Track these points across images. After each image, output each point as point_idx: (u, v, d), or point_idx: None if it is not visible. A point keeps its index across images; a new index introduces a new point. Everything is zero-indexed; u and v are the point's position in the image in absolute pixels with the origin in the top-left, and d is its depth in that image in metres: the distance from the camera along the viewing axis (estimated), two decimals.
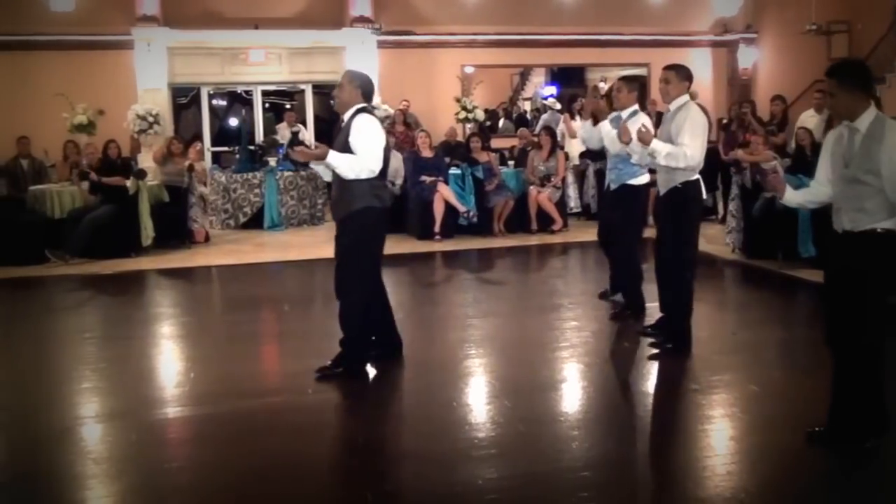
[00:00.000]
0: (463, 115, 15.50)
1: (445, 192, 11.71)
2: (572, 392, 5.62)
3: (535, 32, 16.96)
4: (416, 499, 4.08)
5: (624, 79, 7.38)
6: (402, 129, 14.50)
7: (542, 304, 7.63)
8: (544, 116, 15.81)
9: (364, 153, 5.44)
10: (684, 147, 5.76)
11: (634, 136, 6.01)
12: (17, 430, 5.09)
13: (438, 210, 11.66)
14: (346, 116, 5.64)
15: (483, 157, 12.28)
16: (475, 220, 11.84)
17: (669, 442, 4.73)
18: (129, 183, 10.76)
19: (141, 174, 11.07)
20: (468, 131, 14.99)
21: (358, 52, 15.88)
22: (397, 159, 12.65)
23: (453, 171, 12.18)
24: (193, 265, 10.55)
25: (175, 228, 11.54)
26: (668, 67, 6.07)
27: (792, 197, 4.57)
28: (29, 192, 11.35)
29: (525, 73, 19.31)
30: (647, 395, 5.57)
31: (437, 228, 11.68)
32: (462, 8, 16.53)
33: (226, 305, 8.96)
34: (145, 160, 13.51)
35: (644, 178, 7.11)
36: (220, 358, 6.43)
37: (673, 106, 5.99)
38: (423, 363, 6.15)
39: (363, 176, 5.46)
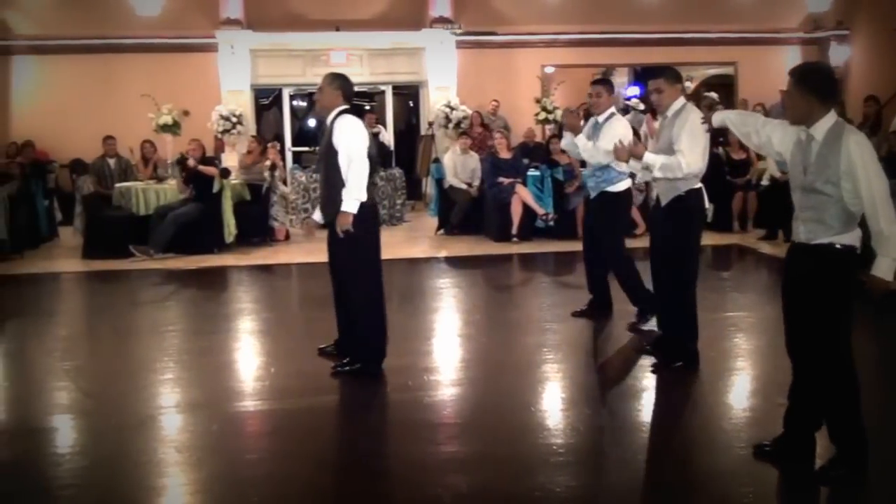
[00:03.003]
0: (543, 115, 15.42)
1: (523, 194, 11.67)
2: (654, 401, 5.52)
3: (617, 31, 16.72)
4: (492, 502, 4.04)
5: (601, 82, 7.12)
6: (479, 131, 14.51)
7: (622, 310, 7.55)
8: (627, 117, 15.56)
9: (354, 159, 5.47)
10: (680, 155, 5.50)
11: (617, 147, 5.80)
12: (101, 416, 5.22)
13: (516, 212, 11.61)
14: (329, 119, 5.69)
15: (563, 158, 12.17)
16: (553, 222, 11.76)
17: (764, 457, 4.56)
18: (217, 176, 10.98)
19: (225, 173, 11.30)
20: (548, 132, 14.90)
21: (437, 53, 15.95)
22: (473, 160, 12.67)
23: (532, 172, 12.13)
24: (274, 262, 10.72)
25: (257, 226, 11.77)
26: (656, 76, 5.80)
27: None
28: (115, 189, 11.70)
29: (607, 73, 19.03)
30: (740, 408, 5.40)
31: (514, 230, 11.62)
32: (542, 7, 16.43)
33: (305, 302, 9.06)
34: (229, 160, 13.78)
35: (624, 185, 6.90)
36: (299, 354, 6.49)
37: (669, 112, 5.74)
38: (500, 366, 6.12)
39: (364, 176, 5.52)
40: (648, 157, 5.62)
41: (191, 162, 11.03)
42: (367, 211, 5.61)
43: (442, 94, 15.90)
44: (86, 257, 11.03)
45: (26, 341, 7.41)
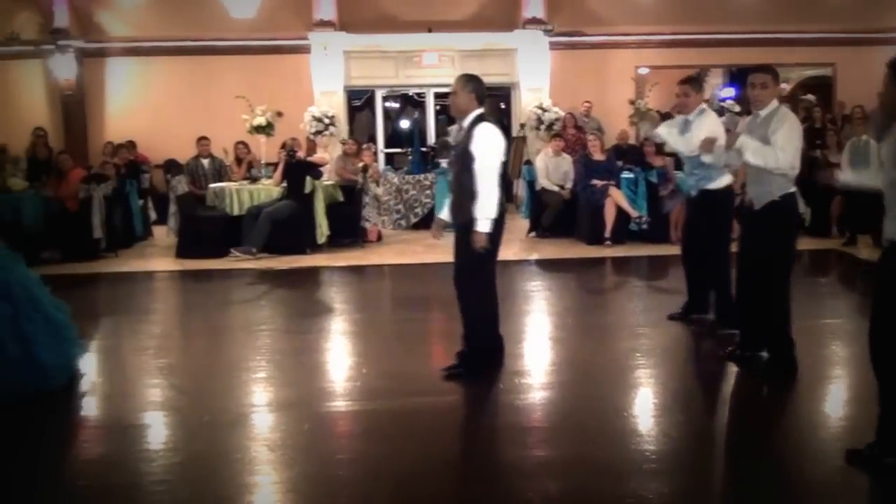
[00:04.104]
0: (637, 117, 15.15)
1: (617, 197, 11.45)
2: (748, 408, 5.35)
3: (712, 31, 16.29)
4: None
5: (688, 81, 6.87)
6: (572, 132, 14.32)
7: None
8: (722, 119, 15.17)
9: (483, 173, 5.44)
10: (777, 148, 5.36)
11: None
12: (195, 413, 5.24)
13: (609, 215, 11.41)
14: (466, 123, 5.61)
15: (657, 161, 11.93)
16: (647, 226, 11.53)
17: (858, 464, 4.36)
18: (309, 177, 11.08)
19: (317, 174, 11.36)
20: (642, 135, 14.63)
21: (530, 54, 15.83)
22: (566, 162, 12.50)
23: (626, 175, 11.91)
24: (366, 263, 10.73)
25: (349, 227, 11.80)
26: (762, 71, 5.61)
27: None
28: (209, 189, 11.87)
29: (702, 73, 18.57)
30: (836, 416, 5.20)
31: (607, 234, 11.42)
32: (636, 7, 16.14)
33: (396, 304, 9.04)
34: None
35: (725, 181, 6.65)
36: (391, 355, 6.48)
37: (763, 112, 5.56)
38: (592, 370, 6.00)
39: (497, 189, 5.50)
40: (742, 139, 5.49)
41: (299, 154, 11.14)
42: (495, 219, 5.56)
43: (534, 96, 15.76)
44: (179, 256, 11.21)
45: (121, 339, 7.53)
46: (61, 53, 15.78)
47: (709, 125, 6.50)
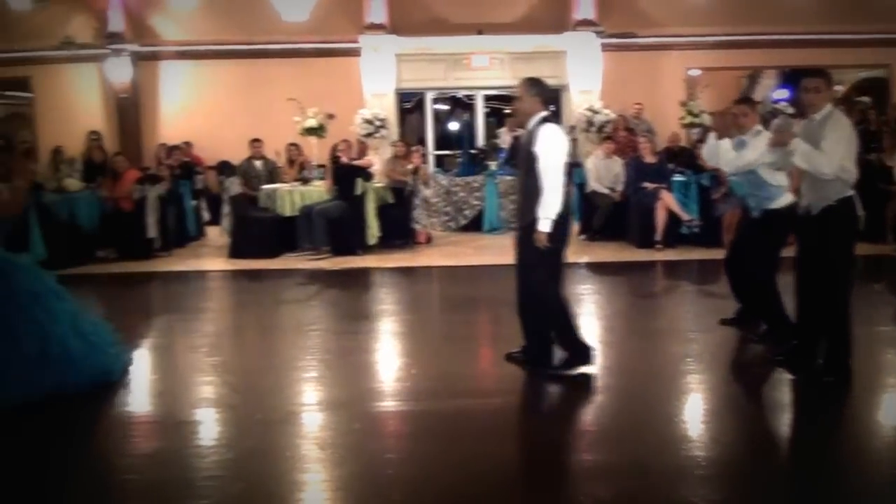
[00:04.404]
0: (688, 119, 14.98)
1: (668, 200, 11.35)
2: (802, 416, 5.24)
3: (764, 32, 16.00)
4: None
5: (746, 101, 6.84)
6: (623, 134, 14.21)
7: None
8: (775, 122, 14.85)
9: (548, 173, 5.43)
10: (824, 153, 5.26)
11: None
12: (246, 411, 5.29)
13: (661, 218, 11.31)
14: (530, 125, 5.60)
15: (710, 164, 11.79)
16: (699, 229, 11.40)
17: None
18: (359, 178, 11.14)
19: (368, 176, 11.42)
20: (694, 137, 14.46)
21: (580, 56, 15.72)
22: (617, 164, 12.43)
23: (677, 177, 11.79)
24: (415, 265, 10.77)
25: (399, 229, 11.85)
26: (814, 75, 5.53)
27: None
28: (261, 190, 11.99)
29: (754, 75, 18.30)
30: (893, 426, 5.08)
31: (658, 237, 11.32)
32: (688, 8, 15.92)
33: (445, 305, 9.05)
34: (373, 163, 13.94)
35: (786, 199, 6.42)
36: (440, 356, 6.49)
37: (818, 115, 5.45)
38: (642, 375, 5.94)
39: (560, 192, 5.47)
40: (795, 141, 5.41)
41: (344, 158, 11.22)
42: (559, 220, 5.54)
43: (584, 98, 15.67)
44: (232, 256, 11.35)
45: (175, 337, 7.66)
46: (116, 57, 16.03)
47: (761, 147, 6.23)
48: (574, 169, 13.50)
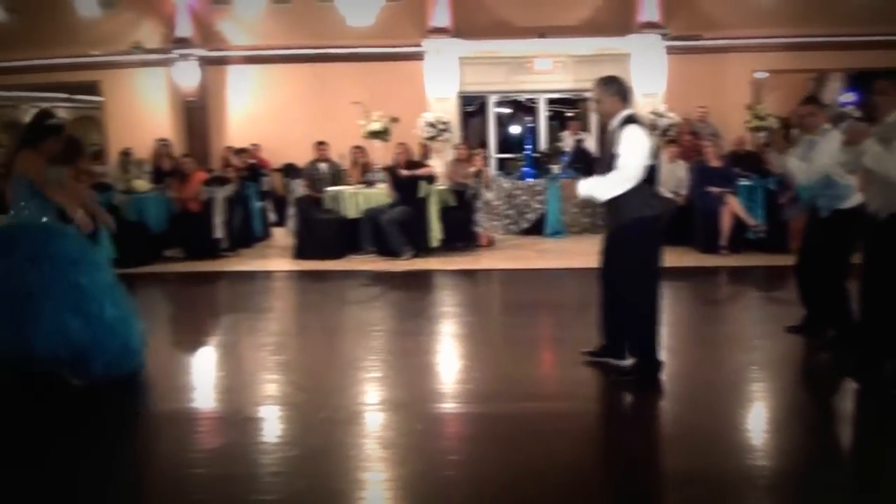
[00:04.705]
0: (754, 123, 14.76)
1: (734, 205, 11.20)
2: (869, 426, 5.11)
3: (832, 34, 15.62)
4: None
5: (812, 101, 6.72)
6: (688, 138, 14.07)
7: None
8: (843, 125, 14.65)
9: (622, 167, 5.35)
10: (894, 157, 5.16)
11: None
12: (311, 409, 5.35)
13: (726, 223, 11.16)
14: (614, 124, 5.51)
15: (776, 168, 11.59)
16: (765, 234, 11.24)
17: None
18: (423, 181, 11.19)
19: (430, 178, 11.48)
20: (760, 141, 14.24)
21: (644, 59, 15.61)
22: (681, 168, 12.31)
23: (743, 182, 11.64)
24: (477, 268, 10.78)
25: (461, 231, 11.88)
26: (886, 78, 5.40)
27: None
28: (326, 192, 12.12)
29: (821, 78, 17.93)
30: None
31: (723, 242, 11.17)
32: (754, 10, 15.69)
33: (507, 308, 9.05)
34: (434, 166, 13.99)
35: (856, 199, 6.22)
36: (501, 359, 6.48)
37: (890, 119, 5.33)
38: (706, 383, 5.84)
39: (626, 188, 5.37)
40: (867, 142, 5.31)
41: (400, 171, 11.29)
42: (649, 224, 5.50)
43: (648, 101, 15.54)
44: (297, 257, 11.50)
45: (240, 335, 7.78)
46: (184, 62, 16.40)
47: (833, 147, 6.10)
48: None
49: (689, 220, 11.78)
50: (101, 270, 6.01)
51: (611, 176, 5.39)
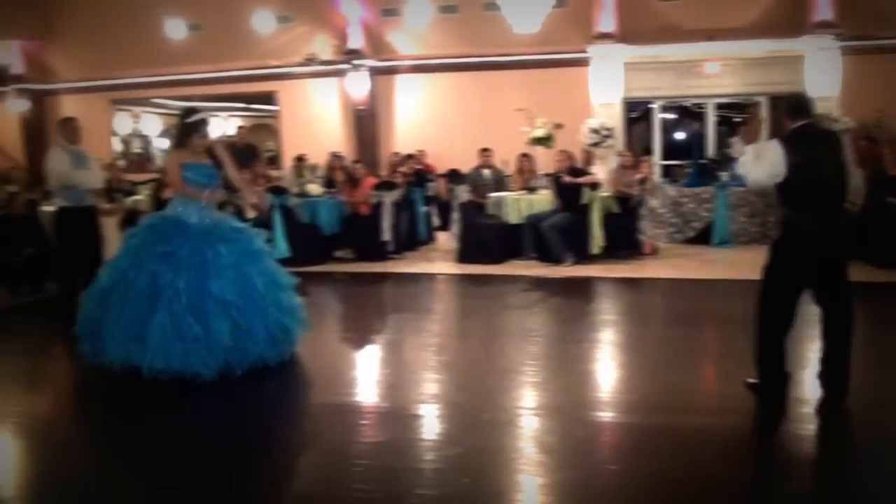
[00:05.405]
0: None
1: None
2: None
3: None
4: None
5: None
6: (864, 144, 13.44)
7: None
8: None
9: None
10: None
11: None
12: (472, 409, 5.47)
13: None
14: None
15: None
16: None
17: None
18: (588, 188, 11.19)
19: (594, 185, 11.46)
20: None
21: (818, 61, 15.01)
22: (856, 176, 11.75)
23: None
24: (640, 276, 10.64)
25: (624, 239, 11.77)
26: None
27: None
28: (489, 198, 12.29)
29: None
30: None
31: None
32: None
33: (671, 319, 8.85)
34: (598, 173, 13.93)
35: None
36: (663, 370, 6.39)
37: None
38: (883, 403, 5.58)
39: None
40: None
41: (565, 179, 11.33)
42: (788, 240, 5.50)
43: (822, 105, 14.90)
44: (460, 261, 11.72)
45: (405, 335, 8.07)
46: (355, 72, 17.01)
47: None
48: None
49: (864, 232, 11.26)
50: (262, 260, 6.45)
51: (754, 163, 5.43)
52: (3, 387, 6.64)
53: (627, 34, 15.77)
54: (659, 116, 16.61)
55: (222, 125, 19.67)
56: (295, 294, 6.59)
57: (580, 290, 10.02)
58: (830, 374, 5.52)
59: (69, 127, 8.52)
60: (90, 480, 4.57)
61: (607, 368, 6.74)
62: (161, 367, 5.80)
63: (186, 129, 6.57)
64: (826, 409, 5.34)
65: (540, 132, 13.06)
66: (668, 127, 17.41)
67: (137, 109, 20.04)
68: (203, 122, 6.63)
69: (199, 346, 5.84)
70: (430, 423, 5.36)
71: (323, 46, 17.33)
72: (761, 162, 5.41)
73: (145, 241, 6.25)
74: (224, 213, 6.89)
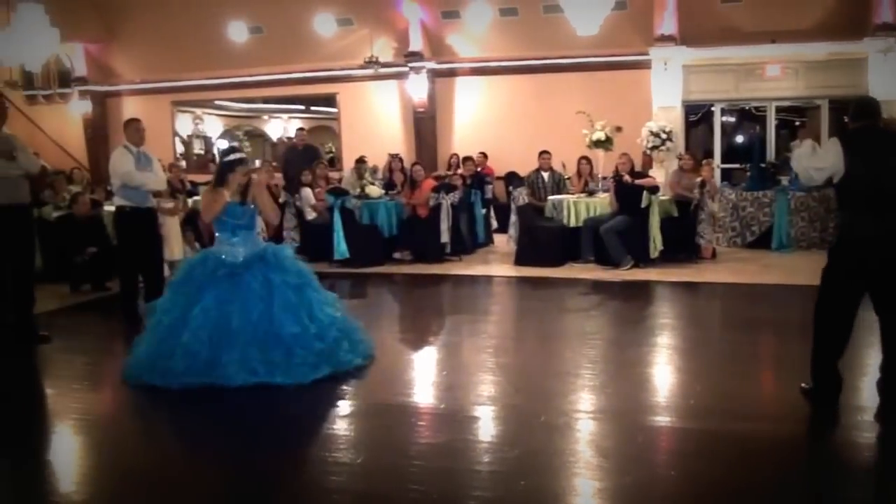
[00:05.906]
0: None
1: None
2: None
3: None
4: None
5: None
6: None
7: None
8: None
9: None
10: None
11: None
12: (529, 412, 5.51)
13: None
14: None
15: None
16: None
17: None
18: (645, 193, 11.16)
19: (654, 189, 11.42)
20: None
21: (881, 64, 14.71)
22: None
23: None
24: (699, 280, 10.57)
25: (683, 243, 11.71)
26: None
27: None
28: (548, 201, 12.32)
29: None
30: None
31: None
32: None
33: (729, 323, 8.81)
34: (657, 176, 13.85)
35: None
36: (724, 375, 6.35)
37: None
38: None
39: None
40: None
41: (626, 178, 11.32)
42: (845, 246, 5.46)
43: (886, 108, 14.58)
44: (518, 263, 11.76)
45: (463, 336, 8.14)
46: (415, 74, 17.14)
47: None
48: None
49: None
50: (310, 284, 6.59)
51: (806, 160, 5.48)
52: (65, 383, 6.84)
53: (688, 36, 15.63)
54: (719, 119, 16.44)
55: (283, 126, 20.02)
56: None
57: (638, 294, 9.99)
58: (889, 382, 5.43)
59: (133, 128, 8.72)
60: (148, 475, 4.71)
61: (665, 372, 6.73)
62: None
63: (225, 168, 6.64)
64: (884, 417, 5.27)
65: (599, 135, 13.03)
66: (729, 130, 17.22)
67: (199, 111, 20.45)
68: (241, 162, 6.70)
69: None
70: (487, 424, 5.40)
71: (383, 49, 17.47)
72: (817, 156, 5.39)
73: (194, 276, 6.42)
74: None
